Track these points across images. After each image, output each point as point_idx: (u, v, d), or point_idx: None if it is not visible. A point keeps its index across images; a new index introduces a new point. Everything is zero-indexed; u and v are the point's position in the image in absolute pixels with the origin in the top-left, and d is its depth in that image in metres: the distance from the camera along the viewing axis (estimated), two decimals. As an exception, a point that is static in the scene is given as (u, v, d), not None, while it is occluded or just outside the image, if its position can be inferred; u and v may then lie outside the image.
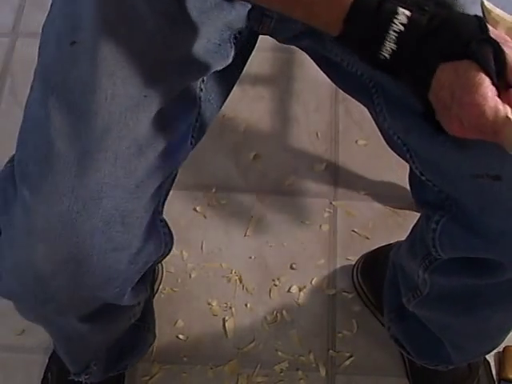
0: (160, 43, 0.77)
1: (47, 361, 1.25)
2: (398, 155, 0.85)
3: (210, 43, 0.81)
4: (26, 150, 0.76)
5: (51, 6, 0.82)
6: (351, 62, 0.82)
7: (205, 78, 0.84)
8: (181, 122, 0.82)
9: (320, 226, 1.39)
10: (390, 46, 0.64)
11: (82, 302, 0.81)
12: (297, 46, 0.90)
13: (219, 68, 0.84)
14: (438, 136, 0.73)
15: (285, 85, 1.55)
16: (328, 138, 1.48)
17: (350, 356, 1.28)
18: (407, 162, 0.83)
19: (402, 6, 0.64)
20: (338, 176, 1.44)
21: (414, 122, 0.77)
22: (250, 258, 1.36)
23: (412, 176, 0.87)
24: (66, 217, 0.72)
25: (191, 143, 0.87)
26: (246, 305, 1.32)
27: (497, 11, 0.69)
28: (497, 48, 0.63)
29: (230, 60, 0.85)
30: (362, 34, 0.65)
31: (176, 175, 0.89)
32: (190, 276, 1.35)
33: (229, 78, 0.89)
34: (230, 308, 1.32)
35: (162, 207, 0.88)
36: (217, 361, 1.27)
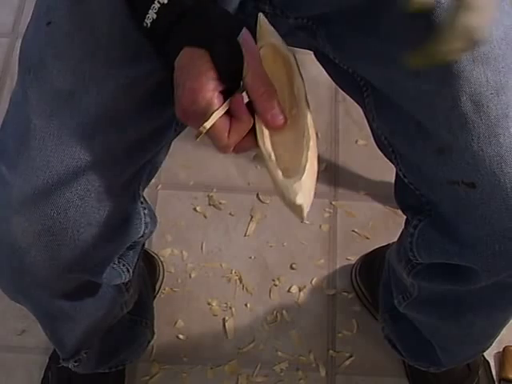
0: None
1: (47, 360, 1.25)
2: (385, 156, 0.86)
3: None
4: (6, 129, 0.77)
5: None
6: (342, 60, 0.83)
7: None
8: (165, 108, 0.81)
9: (320, 226, 1.39)
10: (152, 15, 0.68)
11: (59, 275, 0.81)
12: (295, 45, 0.90)
13: None
14: (419, 139, 0.74)
15: (285, 85, 1.55)
16: (328, 138, 1.48)
17: (350, 356, 1.28)
18: (392, 163, 0.84)
19: None
20: (337, 176, 1.45)
21: (399, 124, 0.78)
22: (250, 257, 1.37)
23: (397, 179, 0.88)
24: (41, 190, 0.73)
25: (175, 130, 0.86)
26: (246, 305, 1.32)
27: (267, 26, 0.74)
28: (238, 53, 0.67)
29: None
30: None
31: (160, 164, 0.89)
32: (190, 276, 1.35)
33: None
34: (230, 308, 1.32)
35: (143, 189, 0.88)
36: (217, 361, 1.27)
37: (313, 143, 0.70)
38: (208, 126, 0.67)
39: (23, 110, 0.75)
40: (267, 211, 1.41)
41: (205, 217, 1.41)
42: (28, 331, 1.29)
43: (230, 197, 1.42)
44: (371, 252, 1.32)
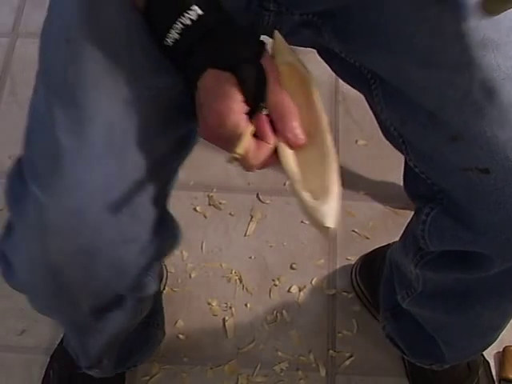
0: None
1: (49, 359, 1.25)
2: (394, 147, 0.86)
3: None
4: (33, 148, 0.76)
5: (48, 7, 0.82)
6: (349, 54, 0.83)
7: None
8: (190, 115, 0.82)
9: (320, 225, 1.39)
10: (173, 35, 0.69)
11: (94, 293, 0.82)
12: (297, 44, 0.90)
13: None
14: (431, 129, 0.74)
15: (285, 85, 1.55)
16: (328, 137, 1.48)
17: (350, 356, 1.28)
18: (402, 153, 0.84)
19: (197, 5, 0.69)
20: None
21: (409, 114, 0.78)
22: (250, 257, 1.37)
23: (406, 169, 0.88)
24: (75, 210, 0.73)
25: (194, 137, 0.87)
26: (246, 305, 1.32)
27: (283, 45, 0.75)
28: (262, 75, 0.69)
29: None
30: (156, 17, 0.71)
31: (178, 171, 0.89)
32: (190, 276, 1.35)
33: None
34: (230, 308, 1.32)
35: (167, 200, 0.88)
36: (217, 361, 1.27)
37: (336, 164, 0.70)
38: (242, 152, 0.68)
39: (50, 129, 0.74)
40: (267, 211, 1.41)
41: (205, 217, 1.41)
42: (28, 331, 1.29)
43: (230, 197, 1.42)
44: (371, 252, 1.32)
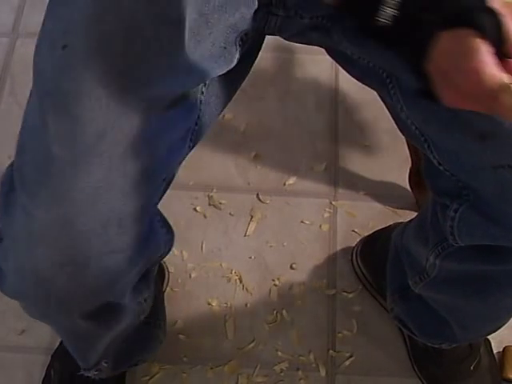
0: (158, 50, 0.76)
1: (50, 358, 1.25)
2: (414, 144, 0.85)
3: (215, 47, 0.80)
4: (24, 155, 0.76)
5: (46, 12, 0.81)
6: (362, 55, 0.82)
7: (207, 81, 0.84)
8: (179, 126, 0.82)
9: (320, 225, 1.39)
10: (391, 11, 0.64)
11: (84, 302, 0.82)
12: (304, 43, 0.90)
13: (222, 72, 0.84)
14: (457, 128, 0.73)
15: (285, 85, 1.55)
16: (328, 138, 1.48)
17: (350, 356, 1.28)
18: (424, 151, 0.83)
19: None
20: (338, 176, 1.45)
21: (433, 113, 0.77)
22: (250, 257, 1.37)
23: (428, 165, 0.87)
24: (62, 220, 0.73)
25: (189, 147, 0.86)
26: (246, 305, 1.32)
27: None
28: (497, 18, 0.62)
29: (234, 63, 0.84)
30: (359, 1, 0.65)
31: (173, 177, 0.89)
32: (190, 276, 1.35)
33: (233, 81, 0.88)
34: (230, 308, 1.32)
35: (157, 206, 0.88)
36: (217, 361, 1.27)
37: None
38: None
39: (42, 137, 0.74)
40: (267, 211, 1.41)
41: (205, 217, 1.41)
42: (28, 331, 1.29)
43: (230, 197, 1.42)
44: (371, 234, 1.32)
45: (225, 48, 0.81)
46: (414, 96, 0.78)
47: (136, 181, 0.76)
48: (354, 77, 0.90)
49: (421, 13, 0.64)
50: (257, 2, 0.81)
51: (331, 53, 0.90)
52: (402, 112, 0.82)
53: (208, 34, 0.79)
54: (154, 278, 0.97)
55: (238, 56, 0.84)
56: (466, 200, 0.82)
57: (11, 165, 0.82)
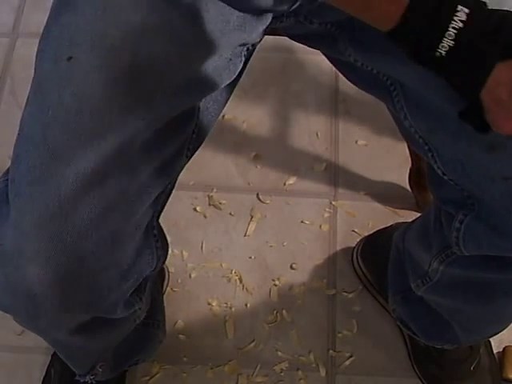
0: (165, 68, 0.75)
1: (50, 358, 1.25)
2: (418, 153, 0.84)
3: (222, 58, 0.79)
4: (20, 168, 0.75)
5: (49, 13, 0.79)
6: (366, 62, 0.81)
7: None
8: (177, 137, 0.81)
9: (320, 225, 1.39)
10: (447, 43, 0.64)
11: (74, 317, 0.82)
12: (306, 44, 0.90)
13: (224, 85, 0.83)
14: (464, 138, 0.72)
15: (285, 85, 1.55)
16: (328, 138, 1.48)
17: (350, 356, 1.28)
18: (428, 160, 0.82)
19: (461, 3, 0.64)
20: (338, 176, 1.44)
21: (439, 123, 0.76)
22: (250, 257, 1.37)
23: (432, 174, 0.86)
24: (56, 239, 0.72)
25: (186, 156, 0.86)
26: (246, 305, 1.32)
27: None
28: None
29: (237, 74, 0.84)
30: (419, 31, 0.64)
31: (173, 187, 0.88)
32: (190, 276, 1.35)
33: (229, 84, 0.88)
34: (230, 308, 1.32)
35: (157, 219, 0.87)
36: (217, 361, 1.27)
37: None
38: None
39: (40, 152, 0.72)
40: (267, 211, 1.41)
41: (205, 217, 1.41)
42: (28, 331, 1.29)
43: (230, 197, 1.42)
44: (372, 234, 1.32)
45: (230, 60, 0.81)
46: (419, 105, 0.78)
47: (132, 196, 0.75)
48: (355, 85, 0.89)
49: (478, 44, 0.64)
50: (271, 18, 0.81)
51: (333, 61, 0.90)
52: (406, 120, 0.81)
53: (219, 50, 0.78)
54: (147, 289, 0.95)
55: (241, 67, 0.83)
56: (471, 210, 0.80)
57: (5, 173, 0.80)
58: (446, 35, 0.64)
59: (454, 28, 0.63)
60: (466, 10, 0.63)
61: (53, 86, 0.74)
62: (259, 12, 0.78)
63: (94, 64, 0.72)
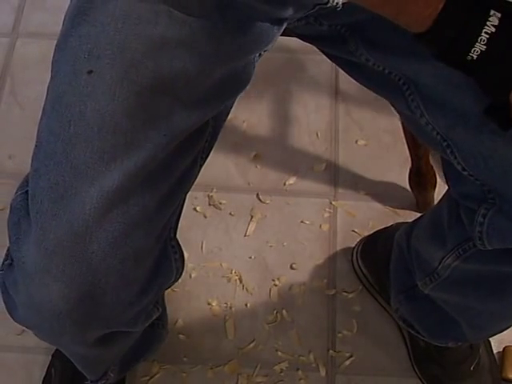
0: (185, 81, 0.74)
1: (50, 358, 1.25)
2: (435, 150, 0.84)
3: (238, 67, 0.79)
4: (41, 184, 0.74)
5: (64, 20, 0.77)
6: (378, 61, 0.81)
7: None
8: (193, 148, 0.81)
9: (320, 225, 1.39)
10: (479, 47, 0.64)
11: (96, 332, 0.82)
12: (313, 44, 0.89)
13: (241, 92, 0.83)
14: (486, 132, 0.72)
15: (285, 85, 1.55)
16: (328, 137, 1.48)
17: (350, 356, 1.28)
18: (446, 157, 0.82)
19: (493, 8, 0.64)
20: (338, 176, 1.44)
21: (459, 118, 0.76)
22: (250, 257, 1.37)
23: (449, 170, 0.85)
24: (81, 258, 0.72)
25: (200, 165, 0.86)
26: (246, 305, 1.32)
27: None
28: None
29: (250, 81, 0.84)
30: (451, 35, 0.65)
31: (185, 197, 0.88)
32: (190, 276, 1.35)
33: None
34: (230, 308, 1.32)
35: (175, 232, 0.87)
36: (217, 361, 1.27)
37: None
38: None
39: (63, 169, 0.72)
40: (267, 211, 1.41)
41: (205, 217, 1.41)
42: (28, 331, 1.29)
43: (230, 197, 1.42)
44: (372, 234, 1.32)
45: (245, 68, 0.81)
46: (436, 102, 0.76)
47: (153, 212, 0.75)
48: (364, 85, 0.88)
49: (509, 48, 0.64)
50: (286, 25, 0.81)
51: (340, 63, 0.89)
52: (422, 118, 0.81)
53: (235, 60, 0.78)
54: (163, 301, 0.96)
55: (253, 73, 0.83)
56: (492, 204, 0.80)
57: (21, 187, 0.80)
58: (479, 40, 0.64)
59: (486, 33, 0.64)
60: (499, 15, 0.64)
61: (73, 100, 0.73)
62: (278, 21, 0.78)
63: (115, 78, 0.71)
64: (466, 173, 0.80)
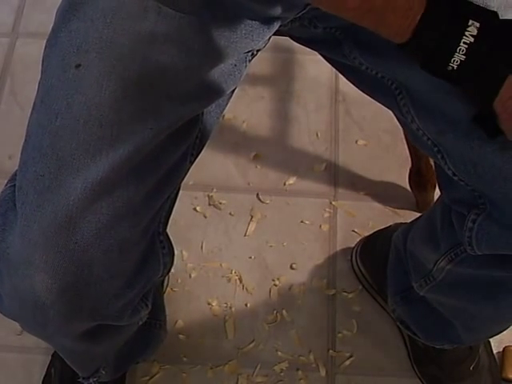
0: (173, 76, 0.75)
1: (50, 358, 1.25)
2: (427, 154, 0.84)
3: (227, 65, 0.79)
4: (27, 176, 0.74)
5: (55, 16, 0.78)
6: (371, 65, 0.81)
7: None
8: (182, 143, 0.81)
9: (320, 225, 1.39)
10: (458, 57, 0.65)
11: (81, 324, 0.82)
12: (309, 47, 0.90)
13: (230, 91, 0.83)
14: (476, 138, 0.73)
15: (285, 85, 1.55)
16: (328, 138, 1.48)
17: (350, 356, 1.28)
18: (437, 162, 0.82)
19: (472, 17, 0.64)
20: (337, 176, 1.44)
21: (449, 125, 0.76)
22: (250, 257, 1.37)
23: (441, 174, 0.86)
24: (64, 249, 0.72)
25: (190, 161, 0.86)
26: (246, 305, 1.32)
27: None
28: None
29: (241, 80, 0.84)
30: (430, 46, 0.65)
31: (177, 194, 0.88)
32: (190, 276, 1.35)
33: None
34: (230, 308, 1.32)
35: (165, 227, 0.87)
36: (217, 361, 1.27)
37: None
38: None
39: (48, 161, 0.72)
40: (267, 211, 1.41)
41: (205, 217, 1.41)
42: (28, 331, 1.29)
43: (230, 197, 1.42)
44: (371, 235, 1.32)
45: (235, 65, 0.81)
46: (426, 107, 0.77)
47: (139, 205, 0.75)
48: (359, 88, 0.89)
49: (489, 57, 0.64)
50: (278, 25, 0.81)
51: (337, 65, 0.89)
52: (413, 123, 0.81)
53: (225, 58, 0.78)
54: (152, 296, 0.96)
55: (245, 72, 0.83)
56: (483, 209, 0.80)
57: (11, 179, 0.80)
58: (458, 50, 0.64)
59: (464, 43, 0.64)
60: (477, 24, 0.64)
61: (61, 93, 0.73)
62: (268, 20, 0.79)
63: (103, 72, 0.72)
64: (456, 178, 0.81)
